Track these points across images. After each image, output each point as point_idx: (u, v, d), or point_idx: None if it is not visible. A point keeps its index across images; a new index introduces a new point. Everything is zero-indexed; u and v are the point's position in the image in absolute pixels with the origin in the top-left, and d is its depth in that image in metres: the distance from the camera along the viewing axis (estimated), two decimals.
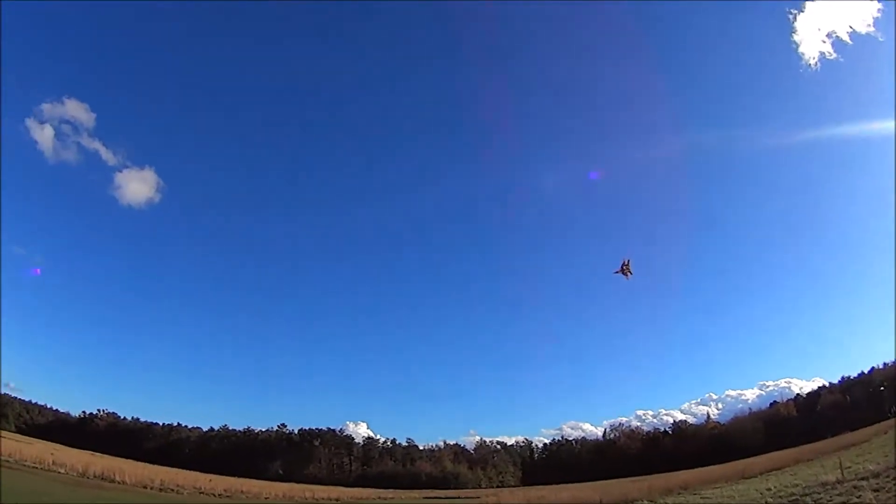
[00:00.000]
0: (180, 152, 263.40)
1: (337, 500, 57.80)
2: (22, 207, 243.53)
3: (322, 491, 67.04)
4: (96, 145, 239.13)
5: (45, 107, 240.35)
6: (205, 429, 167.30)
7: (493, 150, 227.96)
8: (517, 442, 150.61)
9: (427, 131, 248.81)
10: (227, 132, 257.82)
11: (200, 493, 42.96)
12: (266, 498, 48.62)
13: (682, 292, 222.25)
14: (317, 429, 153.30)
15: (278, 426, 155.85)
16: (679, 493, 38.85)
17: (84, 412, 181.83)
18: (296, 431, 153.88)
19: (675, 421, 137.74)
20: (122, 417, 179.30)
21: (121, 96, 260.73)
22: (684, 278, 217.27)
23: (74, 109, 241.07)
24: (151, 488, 42.18)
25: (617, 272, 38.38)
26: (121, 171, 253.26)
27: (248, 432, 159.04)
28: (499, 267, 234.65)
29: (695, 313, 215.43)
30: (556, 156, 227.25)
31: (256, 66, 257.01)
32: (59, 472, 41.20)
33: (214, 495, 42.95)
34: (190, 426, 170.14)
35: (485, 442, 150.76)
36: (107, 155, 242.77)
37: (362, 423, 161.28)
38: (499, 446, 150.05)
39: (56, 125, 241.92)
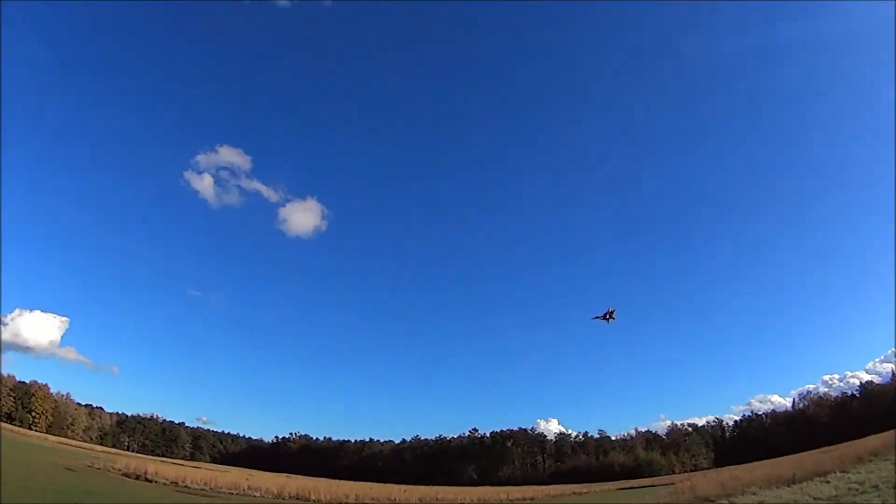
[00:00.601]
0: (336, 178, 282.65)
1: (532, 499, 57.77)
2: (194, 255, 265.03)
3: (517, 492, 64.88)
4: (256, 185, 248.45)
5: (201, 157, 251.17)
6: (397, 441, 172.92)
7: None
8: (707, 422, 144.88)
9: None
10: (374, 153, 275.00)
11: None
12: None
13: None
14: (508, 430, 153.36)
15: (470, 431, 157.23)
16: (870, 461, 37.69)
17: (276, 437, 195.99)
18: (488, 434, 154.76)
19: (861, 383, 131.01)
20: (314, 438, 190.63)
21: (271, 135, 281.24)
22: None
23: (229, 155, 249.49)
24: None
25: (598, 318, 39.19)
26: (284, 206, 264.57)
27: (440, 440, 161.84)
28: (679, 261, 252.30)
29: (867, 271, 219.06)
30: None
31: (395, 85, 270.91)
32: (255, 496, 41.88)
33: None
34: (382, 440, 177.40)
35: (676, 425, 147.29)
36: (268, 192, 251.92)
37: (553, 420, 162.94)
38: (690, 428, 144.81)
39: (214, 173, 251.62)
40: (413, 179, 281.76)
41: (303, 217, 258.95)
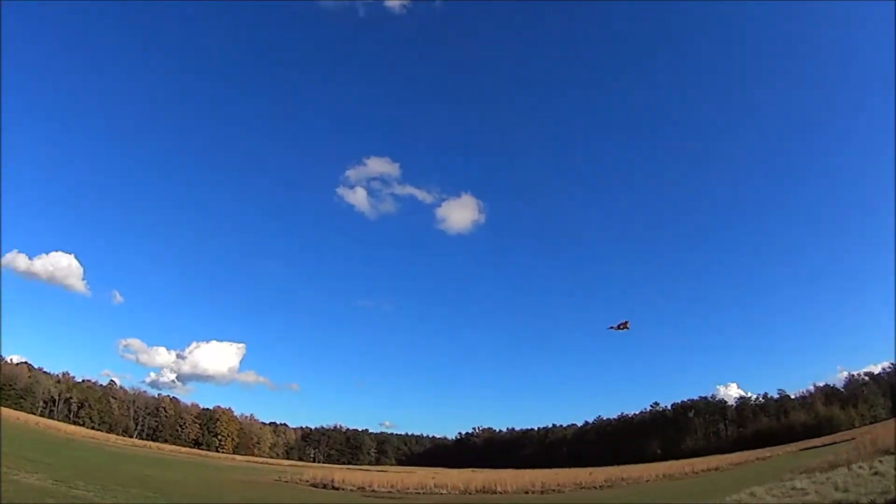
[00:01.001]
0: (487, 171, 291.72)
1: (716, 469, 55.99)
2: (359, 266, 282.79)
3: (701, 463, 63.00)
4: (409, 190, 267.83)
5: (350, 172, 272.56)
6: (580, 424, 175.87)
7: None
8: (883, 368, 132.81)
9: None
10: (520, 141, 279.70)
11: (581, 488, 44.71)
12: (647, 481, 49.14)
13: None
14: (689, 400, 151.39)
15: (651, 405, 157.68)
16: None
17: (460, 433, 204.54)
18: (669, 407, 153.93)
19: None
20: (497, 431, 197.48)
21: (415, 139, 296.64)
22: None
23: (378, 165, 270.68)
24: (532, 492, 42.82)
25: (612, 328, 41.44)
26: (439, 206, 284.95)
27: (622, 418, 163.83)
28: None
29: None
30: None
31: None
32: (441, 493, 42.36)
33: (595, 488, 44.82)
34: (565, 425, 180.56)
35: (853, 376, 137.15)
36: (422, 195, 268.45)
37: (732, 384, 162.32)
38: (866, 377, 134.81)
39: (366, 185, 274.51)
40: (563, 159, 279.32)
41: (460, 213, 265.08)
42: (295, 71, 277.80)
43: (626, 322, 40.96)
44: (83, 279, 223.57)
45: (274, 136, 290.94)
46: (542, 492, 42.42)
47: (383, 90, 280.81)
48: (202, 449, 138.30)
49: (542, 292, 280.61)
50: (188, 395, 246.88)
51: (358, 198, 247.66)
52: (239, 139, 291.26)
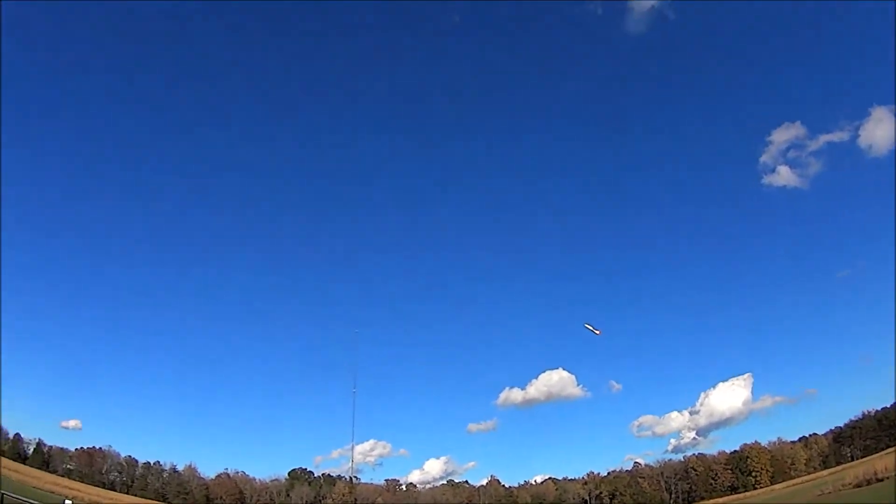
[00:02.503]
0: None
1: None
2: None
3: None
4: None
5: (764, 158, 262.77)
6: None
7: None
8: None
9: None
10: None
11: None
12: None
13: None
14: None
15: None
16: None
17: None
18: None
19: None
20: None
21: None
22: None
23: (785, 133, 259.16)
24: None
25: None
26: None
27: None
28: None
29: None
30: None
31: None
32: None
33: None
34: None
35: None
36: None
37: None
38: None
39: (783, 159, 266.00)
40: None
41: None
42: None
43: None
44: (577, 385, 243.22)
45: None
46: None
47: None
48: (738, 492, 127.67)
49: None
50: (712, 446, 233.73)
51: (784, 175, 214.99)
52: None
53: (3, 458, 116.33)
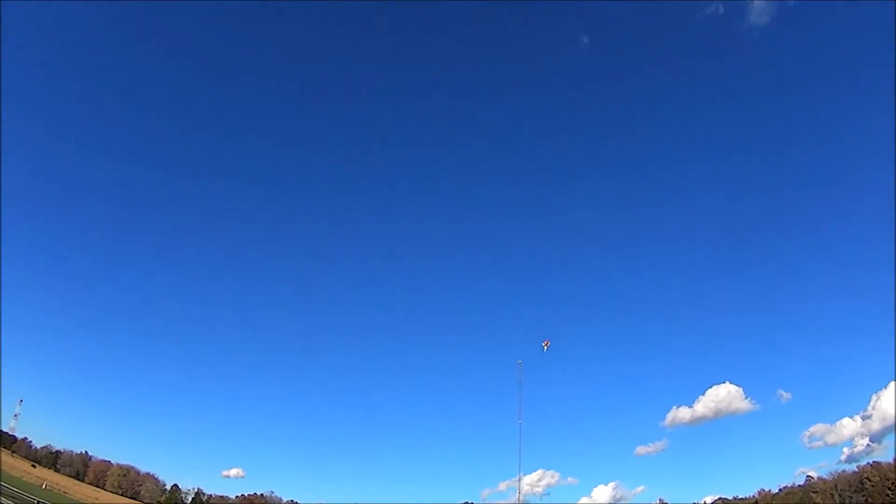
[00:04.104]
0: None
1: None
2: None
3: None
4: None
5: None
6: None
7: None
8: None
9: None
10: None
11: None
12: None
13: None
14: None
15: None
16: None
17: None
18: None
19: None
20: None
21: None
22: None
23: None
24: None
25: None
26: None
27: None
28: None
29: None
30: None
31: None
32: None
33: None
34: None
35: None
36: None
37: None
38: None
39: None
40: None
41: None
42: None
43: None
44: (746, 398, 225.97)
45: None
46: None
47: None
48: None
49: None
50: (887, 453, 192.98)
51: None
52: None
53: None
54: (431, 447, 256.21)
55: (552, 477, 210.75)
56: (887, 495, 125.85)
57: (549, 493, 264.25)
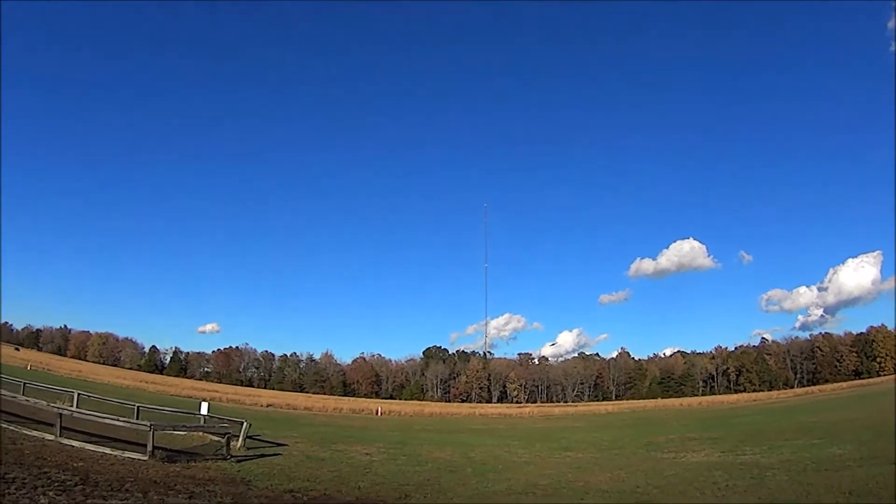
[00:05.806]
0: None
1: None
2: None
3: None
4: None
5: None
6: None
7: None
8: None
9: None
10: None
11: None
12: None
13: None
14: None
15: None
16: None
17: None
18: None
19: None
20: None
21: None
22: None
23: None
24: None
25: None
26: None
27: None
28: None
29: None
30: None
31: None
32: None
33: None
34: None
35: None
36: None
37: None
38: None
39: None
40: None
41: None
42: None
43: None
44: (708, 255, 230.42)
45: None
46: None
47: None
48: (863, 378, 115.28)
49: None
50: (839, 326, 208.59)
51: None
52: None
53: (126, 370, 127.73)
54: (401, 293, 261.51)
55: (518, 321, 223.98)
56: (835, 367, 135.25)
57: (515, 338, 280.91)
